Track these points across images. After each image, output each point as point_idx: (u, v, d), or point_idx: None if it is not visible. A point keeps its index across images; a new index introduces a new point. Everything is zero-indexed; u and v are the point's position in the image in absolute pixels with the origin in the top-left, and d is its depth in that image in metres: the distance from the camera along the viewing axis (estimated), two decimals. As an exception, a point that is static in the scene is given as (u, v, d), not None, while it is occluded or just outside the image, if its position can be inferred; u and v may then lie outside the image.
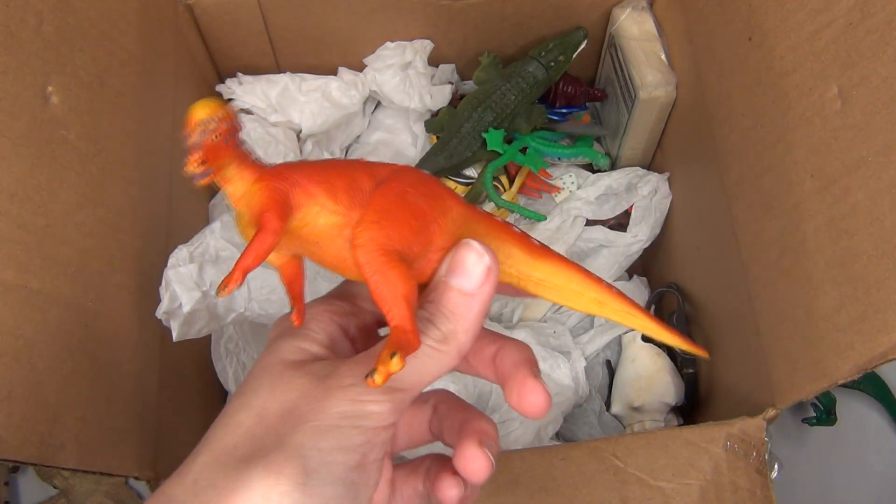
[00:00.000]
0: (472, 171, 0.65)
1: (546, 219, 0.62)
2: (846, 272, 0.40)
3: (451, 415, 0.30)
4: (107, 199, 0.44)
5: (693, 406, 0.59)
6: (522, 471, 0.41)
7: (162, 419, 0.47)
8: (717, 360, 0.55)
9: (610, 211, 0.63)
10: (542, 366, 0.57)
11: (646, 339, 0.61)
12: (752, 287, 0.48)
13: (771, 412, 0.43)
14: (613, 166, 0.67)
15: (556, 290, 0.29)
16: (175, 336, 0.47)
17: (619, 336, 0.62)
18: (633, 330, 0.62)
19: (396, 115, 0.67)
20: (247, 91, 0.63)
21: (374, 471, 0.26)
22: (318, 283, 0.51)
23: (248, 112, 0.64)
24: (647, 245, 0.63)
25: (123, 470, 0.42)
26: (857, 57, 0.39)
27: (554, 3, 0.60)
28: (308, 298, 0.29)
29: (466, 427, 0.29)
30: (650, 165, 0.66)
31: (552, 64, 0.60)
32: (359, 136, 0.68)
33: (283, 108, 0.63)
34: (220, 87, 0.64)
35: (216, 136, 0.24)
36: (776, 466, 0.43)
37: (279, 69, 0.65)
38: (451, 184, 0.65)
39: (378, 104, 0.68)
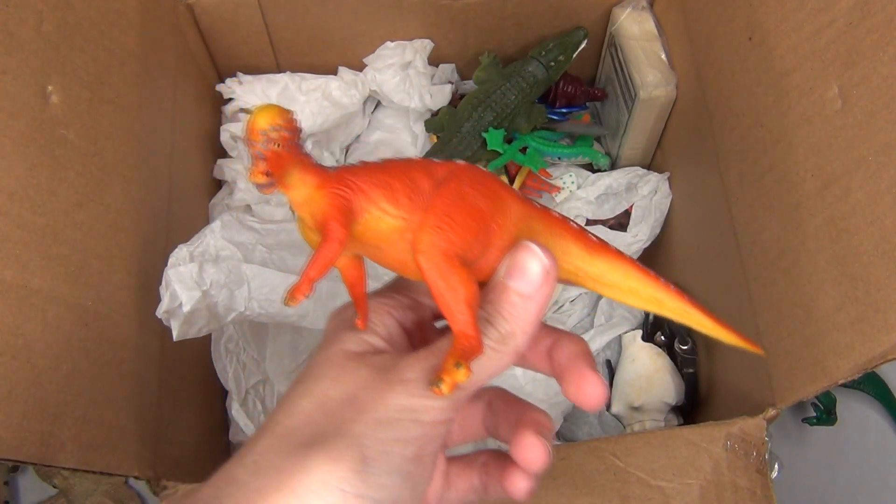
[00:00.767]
0: None
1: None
2: (846, 272, 0.40)
3: (506, 410, 0.31)
4: (107, 199, 0.44)
5: (693, 406, 0.59)
6: (522, 470, 0.41)
7: (162, 419, 0.47)
8: (716, 359, 0.55)
9: (610, 211, 0.63)
10: (542, 365, 0.57)
11: (646, 338, 0.61)
12: (752, 287, 0.48)
13: (771, 412, 0.43)
14: (613, 166, 0.67)
15: (613, 286, 0.29)
16: (175, 335, 0.47)
17: (619, 336, 0.62)
18: (634, 329, 0.62)
19: (396, 115, 0.67)
20: (247, 91, 0.63)
21: (429, 463, 0.26)
22: (319, 283, 0.51)
23: (248, 112, 0.64)
24: (647, 245, 0.63)
25: (123, 470, 0.42)
26: (858, 56, 0.39)
27: (554, 3, 0.60)
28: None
29: (523, 419, 0.29)
30: (650, 165, 0.66)
31: (552, 64, 0.60)
32: (359, 136, 0.68)
33: (283, 108, 0.63)
34: (220, 87, 0.64)
35: (279, 145, 0.24)
36: (776, 466, 0.43)
37: (279, 69, 0.65)
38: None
39: (378, 104, 0.68)
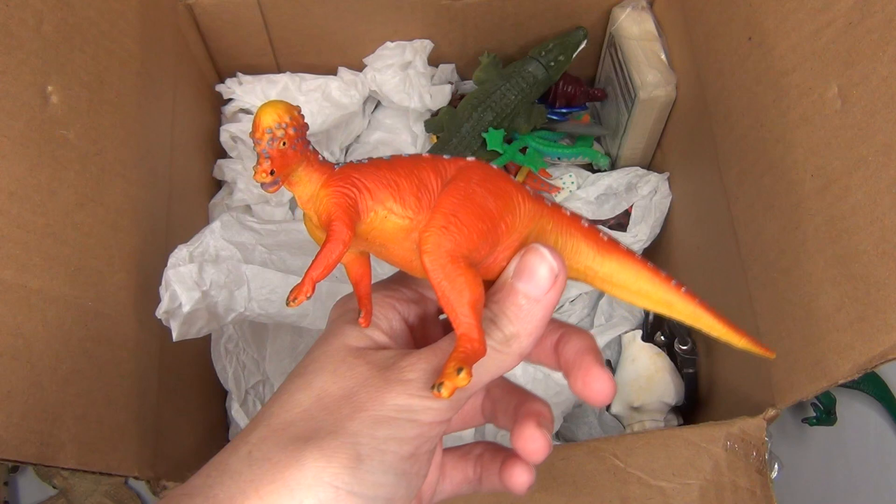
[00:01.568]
0: None
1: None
2: (846, 272, 0.40)
3: (505, 398, 0.31)
4: (106, 199, 0.44)
5: (693, 406, 0.59)
6: (522, 471, 0.41)
7: (162, 419, 0.47)
8: (716, 360, 0.55)
9: (610, 211, 0.63)
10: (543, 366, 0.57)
11: (646, 338, 0.61)
12: (752, 287, 0.48)
13: (771, 412, 0.43)
14: (613, 166, 0.67)
15: (623, 287, 0.29)
16: (175, 336, 0.47)
17: (619, 336, 0.62)
18: (634, 329, 0.62)
19: (396, 115, 0.67)
20: (247, 91, 0.63)
21: (425, 462, 0.26)
22: (319, 284, 0.51)
23: (248, 112, 0.64)
24: (647, 245, 0.63)
25: (123, 470, 0.42)
26: (857, 56, 0.39)
27: (554, 3, 0.60)
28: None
29: (522, 409, 0.29)
30: (650, 165, 0.66)
31: (552, 64, 0.60)
32: (359, 136, 0.68)
33: (282, 108, 0.63)
34: (219, 87, 0.64)
35: (284, 143, 0.24)
36: (776, 466, 0.43)
37: (279, 69, 0.65)
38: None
39: (378, 104, 0.68)
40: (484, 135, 0.60)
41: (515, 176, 0.65)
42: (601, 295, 0.64)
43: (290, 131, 0.24)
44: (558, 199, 0.64)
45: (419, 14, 0.60)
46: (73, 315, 0.40)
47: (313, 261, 0.24)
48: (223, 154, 0.65)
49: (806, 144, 0.43)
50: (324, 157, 0.26)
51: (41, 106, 0.39)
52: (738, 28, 0.48)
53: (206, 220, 0.61)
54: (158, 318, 0.47)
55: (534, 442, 0.28)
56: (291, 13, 0.60)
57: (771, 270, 0.46)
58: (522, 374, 0.57)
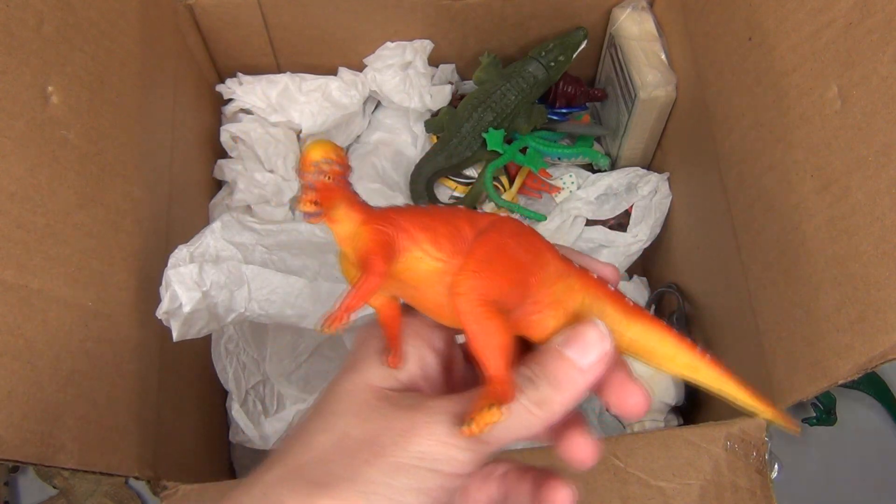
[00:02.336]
0: (472, 171, 0.65)
1: (546, 219, 0.62)
2: (846, 272, 0.40)
3: (519, 480, 0.30)
4: (107, 199, 0.44)
5: (693, 406, 0.59)
6: (522, 471, 0.41)
7: (162, 419, 0.47)
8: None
9: (610, 211, 0.63)
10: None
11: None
12: (752, 287, 0.48)
13: (771, 412, 0.43)
14: (613, 166, 0.67)
15: (648, 352, 0.29)
16: (175, 336, 0.47)
17: (619, 336, 0.62)
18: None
19: (396, 115, 0.67)
20: (247, 91, 0.63)
21: None
22: (319, 284, 0.51)
23: (248, 112, 0.64)
24: (647, 245, 0.63)
25: (123, 470, 0.42)
26: (857, 57, 0.39)
27: (554, 3, 0.60)
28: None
29: (544, 485, 0.29)
30: (650, 165, 0.66)
31: (552, 64, 0.60)
32: (359, 136, 0.68)
33: (283, 108, 0.63)
34: (219, 87, 0.64)
35: (329, 178, 0.25)
36: (776, 466, 0.43)
37: (279, 69, 0.65)
38: (450, 184, 0.65)
39: (378, 104, 0.68)
40: (484, 135, 0.60)
41: (516, 176, 0.65)
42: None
43: (335, 168, 0.25)
44: (558, 199, 0.64)
45: (419, 14, 0.60)
46: (74, 315, 0.40)
47: (349, 291, 0.25)
48: (223, 154, 0.65)
49: (806, 145, 0.43)
50: (363, 199, 0.27)
51: (41, 106, 0.39)
52: (738, 28, 0.48)
53: (206, 221, 0.61)
54: (159, 318, 0.47)
55: (582, 448, 0.28)
56: (292, 13, 0.60)
57: (771, 270, 0.46)
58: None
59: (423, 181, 0.62)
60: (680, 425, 0.59)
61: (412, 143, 0.66)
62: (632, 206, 0.63)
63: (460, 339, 0.31)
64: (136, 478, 0.43)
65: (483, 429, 0.23)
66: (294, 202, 0.63)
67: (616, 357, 0.28)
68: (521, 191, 0.64)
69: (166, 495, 0.42)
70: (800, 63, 0.43)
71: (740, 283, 0.49)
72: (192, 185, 0.60)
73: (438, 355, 0.29)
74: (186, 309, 0.47)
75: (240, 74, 0.64)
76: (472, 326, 0.25)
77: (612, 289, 0.29)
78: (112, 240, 0.44)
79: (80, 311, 0.41)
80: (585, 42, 0.61)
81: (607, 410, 0.60)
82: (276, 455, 0.26)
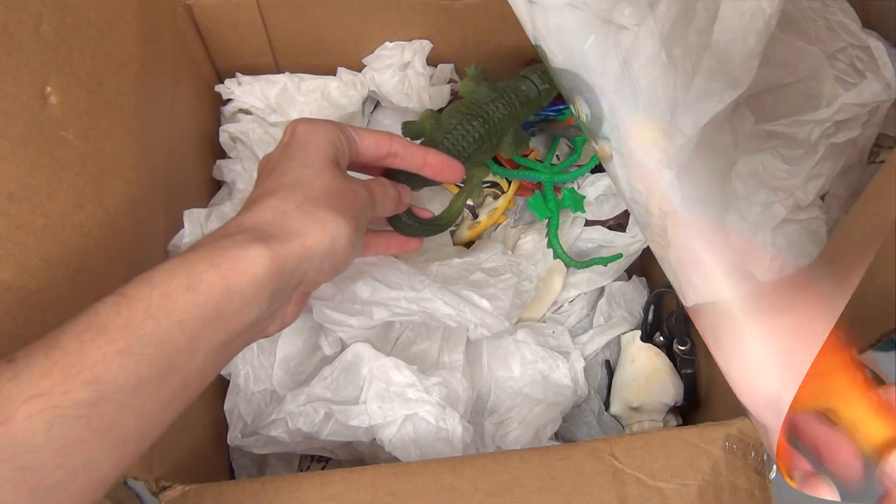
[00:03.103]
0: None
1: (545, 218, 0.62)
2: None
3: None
4: (106, 200, 0.44)
5: (692, 406, 0.59)
6: (521, 471, 0.41)
7: (161, 419, 0.47)
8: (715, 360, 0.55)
9: (610, 211, 0.63)
10: (541, 366, 0.57)
11: (645, 339, 0.61)
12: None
13: (770, 412, 0.43)
14: (612, 166, 0.67)
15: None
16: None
17: (618, 336, 0.62)
18: (633, 330, 0.62)
19: (395, 116, 0.67)
20: (246, 91, 0.63)
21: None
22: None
23: (247, 112, 0.64)
24: (646, 245, 0.63)
25: (122, 470, 0.42)
26: None
27: (553, 3, 0.60)
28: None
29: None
30: (649, 165, 0.66)
31: (546, 86, 0.56)
32: (358, 137, 0.68)
33: (282, 109, 0.63)
34: (218, 88, 0.64)
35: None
36: (774, 467, 0.43)
37: (278, 69, 0.65)
38: (454, 191, 0.65)
39: (377, 104, 0.68)
40: (529, 199, 0.59)
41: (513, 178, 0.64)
42: (600, 295, 0.64)
43: None
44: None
45: (418, 14, 0.60)
46: (73, 316, 0.40)
47: None
48: (222, 154, 0.65)
49: None
50: None
51: (40, 107, 0.39)
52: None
53: (205, 221, 0.61)
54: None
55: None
56: (290, 14, 0.60)
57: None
58: (521, 376, 0.57)
59: None
60: (679, 426, 0.59)
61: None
62: (631, 207, 0.63)
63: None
64: (135, 478, 0.43)
65: None
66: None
67: None
68: (519, 191, 0.64)
69: (165, 496, 0.42)
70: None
71: (739, 284, 0.49)
72: (191, 186, 0.60)
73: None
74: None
75: (239, 75, 0.64)
76: None
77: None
78: (111, 240, 0.44)
79: (80, 312, 0.41)
80: None
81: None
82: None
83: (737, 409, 0.44)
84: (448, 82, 0.67)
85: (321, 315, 0.50)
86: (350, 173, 0.42)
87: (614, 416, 0.60)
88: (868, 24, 0.49)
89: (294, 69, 0.64)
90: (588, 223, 0.64)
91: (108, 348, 0.29)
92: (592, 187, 0.63)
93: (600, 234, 0.63)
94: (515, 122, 0.56)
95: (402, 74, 0.62)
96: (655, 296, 0.63)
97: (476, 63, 0.58)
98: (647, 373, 0.58)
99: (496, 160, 0.63)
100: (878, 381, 0.32)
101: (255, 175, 0.62)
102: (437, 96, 0.64)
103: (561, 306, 0.64)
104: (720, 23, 0.38)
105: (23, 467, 0.26)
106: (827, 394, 0.32)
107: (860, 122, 0.47)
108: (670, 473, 0.41)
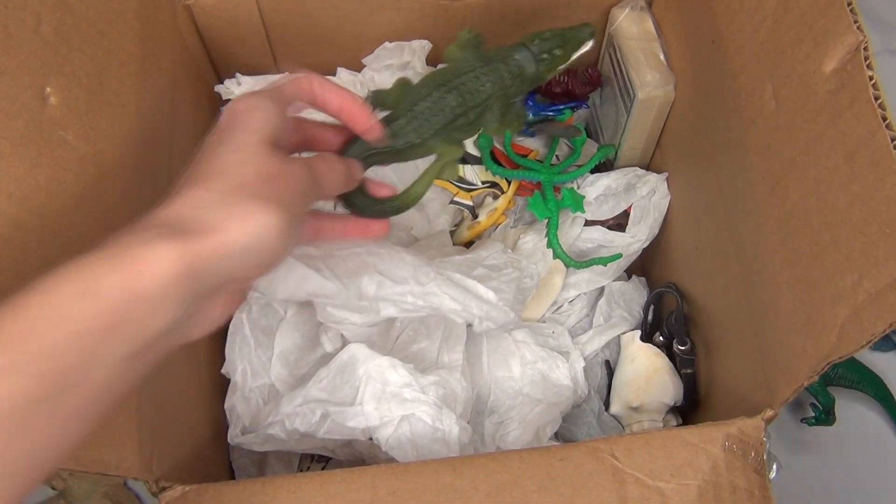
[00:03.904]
0: (472, 176, 0.64)
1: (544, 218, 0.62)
2: (794, 274, 0.41)
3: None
4: (105, 200, 0.44)
5: (692, 406, 0.59)
6: (521, 471, 0.41)
7: (161, 420, 0.47)
8: (715, 360, 0.55)
9: (609, 211, 0.63)
10: (541, 366, 0.57)
11: (644, 339, 0.61)
12: (751, 287, 0.48)
13: (769, 412, 0.43)
14: (612, 166, 0.67)
15: None
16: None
17: (618, 336, 0.62)
18: (633, 330, 0.62)
19: (395, 116, 0.67)
20: (245, 91, 0.63)
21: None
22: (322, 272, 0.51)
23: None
24: (645, 245, 0.63)
25: (122, 471, 0.42)
26: (781, 55, 0.40)
27: (553, 2, 0.60)
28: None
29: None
30: (649, 165, 0.66)
31: (545, 56, 0.48)
32: (358, 137, 0.68)
33: (281, 109, 0.63)
34: (218, 88, 0.64)
35: None
36: (775, 466, 0.43)
37: (278, 69, 0.65)
38: (451, 188, 0.65)
39: (377, 104, 0.68)
40: (529, 199, 0.57)
41: (507, 188, 0.64)
42: (600, 295, 0.64)
43: None
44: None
45: (418, 14, 0.60)
46: None
47: None
48: (222, 154, 0.65)
49: (755, 147, 0.44)
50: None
51: (40, 107, 0.39)
52: (703, 31, 0.48)
53: (205, 221, 0.61)
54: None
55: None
56: (290, 13, 0.60)
57: (748, 271, 0.47)
58: (521, 376, 0.57)
59: None
60: (679, 425, 0.59)
61: (411, 144, 0.66)
62: (630, 207, 0.63)
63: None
64: (135, 479, 0.43)
65: None
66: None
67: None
68: (518, 192, 0.64)
69: (165, 496, 0.42)
70: (745, 64, 0.44)
71: (738, 283, 0.49)
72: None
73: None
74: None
75: (238, 75, 0.64)
76: None
77: None
78: (110, 240, 0.44)
79: None
80: (591, 42, 0.51)
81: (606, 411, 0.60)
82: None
83: (737, 409, 0.44)
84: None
85: (324, 314, 0.50)
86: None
87: (614, 416, 0.60)
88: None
89: (294, 69, 0.64)
90: (588, 223, 0.64)
91: None
92: (592, 187, 0.63)
93: (600, 234, 0.63)
94: (503, 97, 0.48)
95: (401, 74, 0.62)
96: (655, 296, 0.63)
97: (470, 28, 0.51)
98: (646, 373, 0.58)
99: (496, 160, 0.63)
100: None
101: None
102: (437, 96, 0.64)
103: (561, 306, 0.64)
104: None
105: None
106: None
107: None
108: (670, 473, 0.41)
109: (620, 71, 0.61)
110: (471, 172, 0.65)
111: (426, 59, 0.63)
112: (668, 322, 0.60)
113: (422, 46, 0.63)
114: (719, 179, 0.51)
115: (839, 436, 0.64)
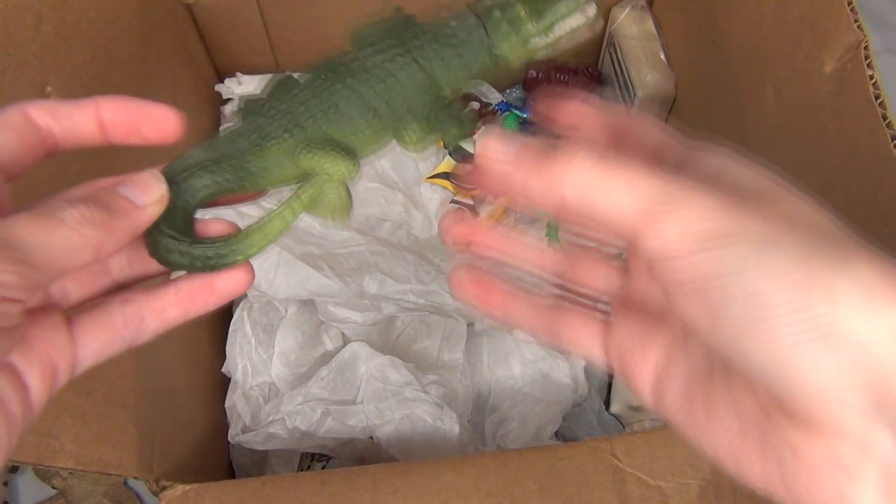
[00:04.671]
0: (470, 147, 0.63)
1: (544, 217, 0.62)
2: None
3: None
4: (106, 199, 0.44)
5: (692, 405, 0.59)
6: (522, 470, 0.41)
7: (162, 419, 0.47)
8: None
9: (609, 210, 0.63)
10: (542, 365, 0.57)
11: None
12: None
13: (770, 411, 0.43)
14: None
15: None
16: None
17: (619, 335, 0.62)
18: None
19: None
20: (246, 91, 0.63)
21: None
22: (323, 270, 0.51)
23: (247, 112, 0.64)
24: (646, 244, 0.63)
25: (122, 470, 0.42)
26: (782, 54, 0.40)
27: (553, 2, 0.60)
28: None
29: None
30: (649, 165, 0.66)
31: (503, 24, 0.29)
32: (358, 136, 0.68)
33: (282, 108, 0.63)
34: (218, 87, 0.64)
35: None
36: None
37: (278, 68, 0.65)
38: (451, 187, 0.64)
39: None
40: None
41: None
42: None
43: None
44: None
45: (417, 14, 0.60)
46: (73, 315, 0.40)
47: None
48: (222, 154, 0.65)
49: (756, 145, 0.44)
50: None
51: (40, 106, 0.39)
52: (703, 29, 0.48)
53: (205, 220, 0.61)
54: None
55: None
56: (290, 13, 0.60)
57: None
58: (521, 375, 0.57)
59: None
60: (679, 425, 0.59)
61: (411, 143, 0.66)
62: (631, 206, 0.63)
63: None
64: (136, 478, 0.43)
65: None
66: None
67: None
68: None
69: (165, 495, 0.42)
70: (745, 63, 0.44)
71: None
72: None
73: None
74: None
75: (239, 74, 0.64)
76: None
77: None
78: (111, 240, 0.44)
79: (79, 312, 0.41)
80: (592, 13, 0.28)
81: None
82: None
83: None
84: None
85: (325, 313, 0.50)
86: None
87: (615, 416, 0.60)
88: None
89: (294, 68, 0.64)
90: (588, 222, 0.63)
91: None
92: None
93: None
94: (429, 91, 0.30)
95: (402, 74, 0.62)
96: (655, 295, 0.63)
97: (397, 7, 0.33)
98: (647, 372, 0.58)
99: None
100: None
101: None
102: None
103: (561, 305, 0.63)
104: None
105: None
106: None
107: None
108: (671, 472, 0.41)
109: (621, 70, 0.61)
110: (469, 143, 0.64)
111: (426, 59, 0.63)
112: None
113: (422, 46, 0.62)
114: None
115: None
